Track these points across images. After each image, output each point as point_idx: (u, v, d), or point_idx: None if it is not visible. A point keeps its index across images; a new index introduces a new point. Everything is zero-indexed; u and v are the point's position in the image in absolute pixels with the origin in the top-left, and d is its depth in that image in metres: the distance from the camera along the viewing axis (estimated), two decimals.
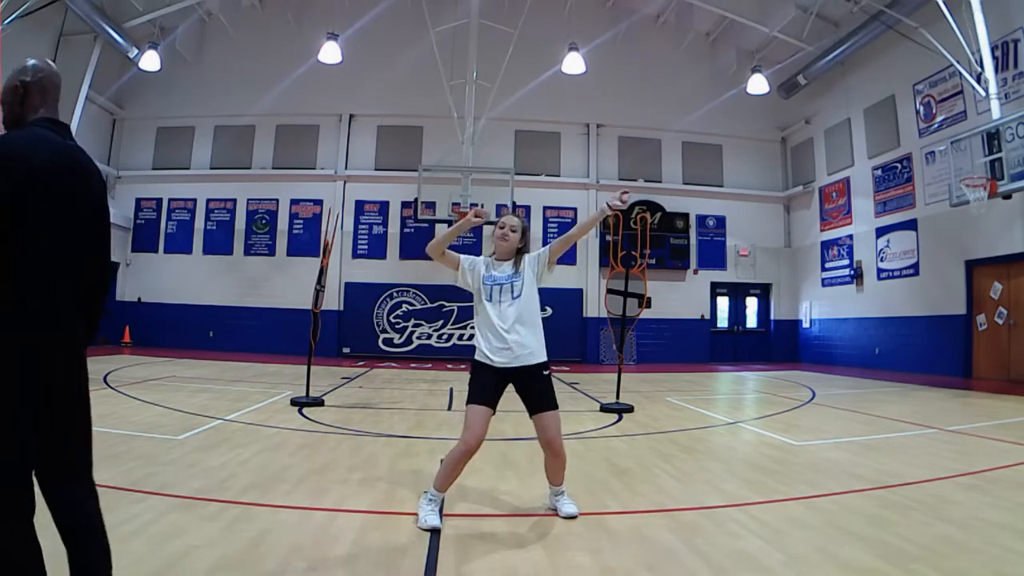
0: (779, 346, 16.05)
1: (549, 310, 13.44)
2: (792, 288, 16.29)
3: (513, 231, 3.17)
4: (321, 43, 13.29)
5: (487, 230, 14.40)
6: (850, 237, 14.33)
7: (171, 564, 2.34)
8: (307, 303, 7.52)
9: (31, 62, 1.89)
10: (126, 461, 3.84)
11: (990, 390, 9.23)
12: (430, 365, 13.19)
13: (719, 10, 14.45)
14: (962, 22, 9.50)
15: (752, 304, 16.48)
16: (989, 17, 9.39)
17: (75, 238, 1.81)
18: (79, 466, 1.81)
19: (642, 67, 15.87)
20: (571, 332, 14.89)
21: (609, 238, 10.98)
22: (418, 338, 14.95)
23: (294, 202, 15.49)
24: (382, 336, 14.93)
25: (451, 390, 8.49)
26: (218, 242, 15.44)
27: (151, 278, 15.26)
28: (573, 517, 3.02)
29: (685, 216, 15.80)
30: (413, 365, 13.09)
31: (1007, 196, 9.03)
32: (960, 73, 10.02)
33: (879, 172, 13.38)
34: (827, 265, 15.13)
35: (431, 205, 13.08)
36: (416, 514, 2.95)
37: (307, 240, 15.19)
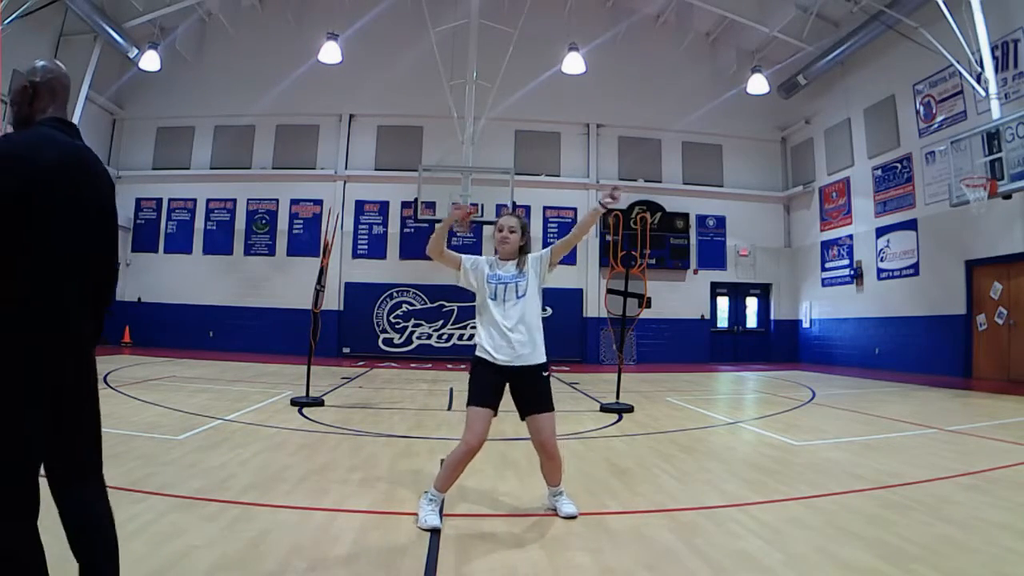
0: (779, 346, 16.05)
1: (549, 310, 13.43)
2: (792, 288, 16.28)
3: (512, 232, 3.17)
4: (321, 43, 13.29)
5: (487, 230, 14.42)
6: (850, 237, 14.32)
7: (171, 564, 2.34)
8: (307, 303, 7.52)
9: (40, 63, 1.87)
10: (126, 461, 3.84)
11: (990, 390, 9.23)
12: (430, 365, 13.18)
13: (719, 10, 14.45)
14: (962, 22, 9.50)
15: (752, 304, 16.47)
16: (989, 17, 9.39)
17: (82, 237, 1.79)
18: (88, 466, 1.81)
19: (642, 67, 15.86)
20: (571, 332, 14.89)
21: (609, 238, 10.98)
22: (418, 338, 14.95)
23: (294, 202, 15.49)
24: (382, 336, 14.92)
25: (451, 390, 8.49)
26: (218, 242, 15.44)
27: (151, 278, 15.25)
28: (573, 517, 3.02)
29: (685, 216, 15.79)
30: (413, 365, 13.09)
31: (1007, 196, 9.03)
32: (960, 73, 10.02)
33: (879, 172, 13.38)
34: (827, 265, 15.12)
35: (431, 205, 13.05)
36: (416, 514, 2.96)
37: (307, 240, 15.18)
